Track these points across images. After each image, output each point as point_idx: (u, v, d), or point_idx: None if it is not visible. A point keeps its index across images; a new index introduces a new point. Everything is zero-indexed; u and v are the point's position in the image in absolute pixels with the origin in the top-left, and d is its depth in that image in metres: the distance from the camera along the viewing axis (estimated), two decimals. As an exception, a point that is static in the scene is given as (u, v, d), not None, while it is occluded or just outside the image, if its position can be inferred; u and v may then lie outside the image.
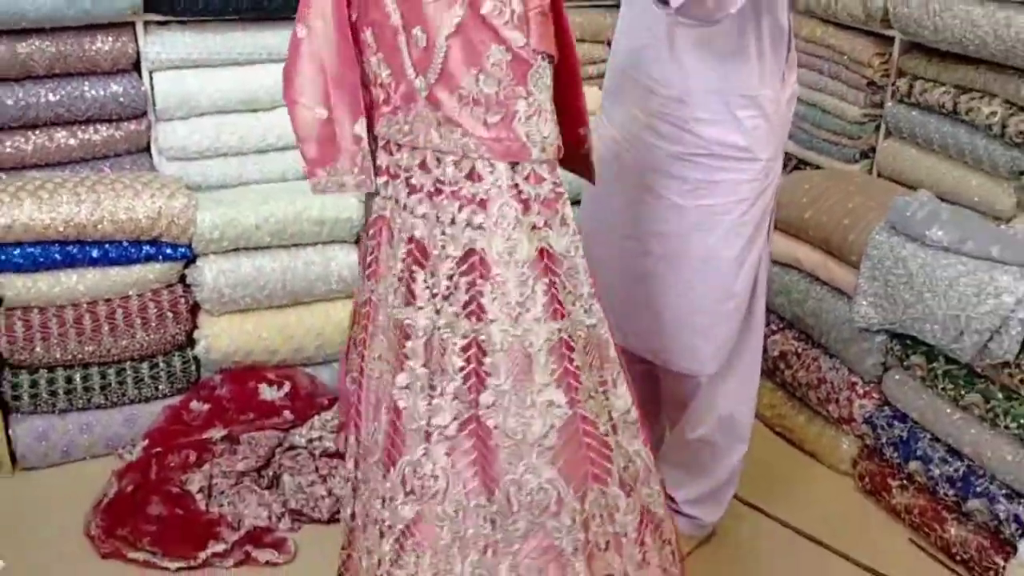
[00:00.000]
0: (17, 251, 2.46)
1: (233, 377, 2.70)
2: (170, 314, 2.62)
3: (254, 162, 2.85)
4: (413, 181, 1.63)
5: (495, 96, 1.53)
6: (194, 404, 2.66)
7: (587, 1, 3.35)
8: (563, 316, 1.59)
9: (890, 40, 3.05)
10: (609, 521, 1.64)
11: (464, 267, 1.58)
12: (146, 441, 2.58)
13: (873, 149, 3.17)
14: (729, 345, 2.15)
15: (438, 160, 1.60)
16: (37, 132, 2.62)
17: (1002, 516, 2.22)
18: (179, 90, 2.69)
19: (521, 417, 1.58)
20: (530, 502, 1.59)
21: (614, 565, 1.65)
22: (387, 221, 1.69)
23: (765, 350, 2.90)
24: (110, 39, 2.59)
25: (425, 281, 1.62)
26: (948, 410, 2.37)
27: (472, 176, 1.57)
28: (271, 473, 2.52)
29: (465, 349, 1.59)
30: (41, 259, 2.48)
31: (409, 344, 1.63)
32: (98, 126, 2.67)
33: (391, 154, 1.66)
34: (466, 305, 1.58)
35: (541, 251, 1.58)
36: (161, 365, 2.65)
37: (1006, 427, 2.21)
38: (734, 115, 1.94)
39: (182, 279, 2.67)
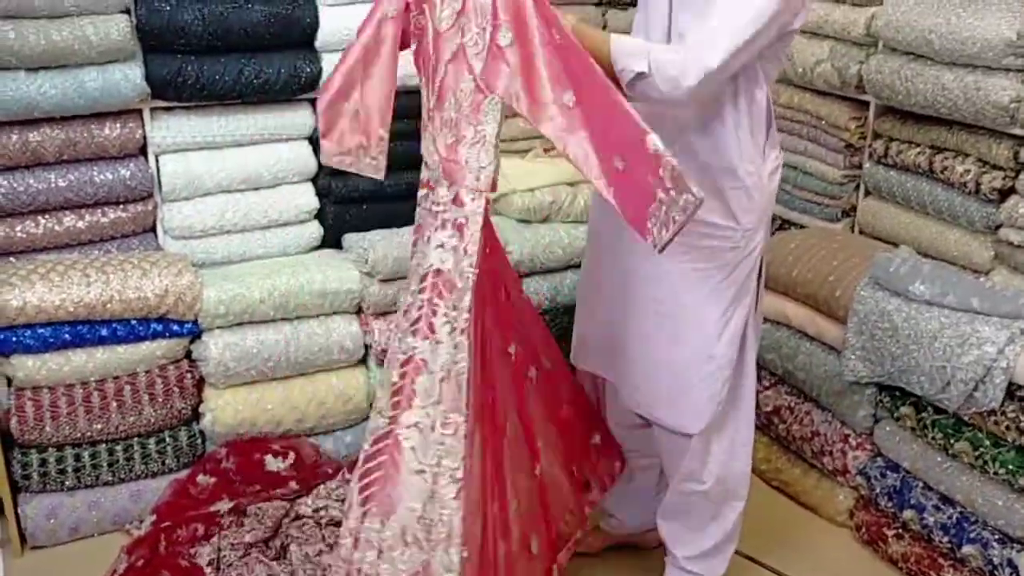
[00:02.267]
0: (28, 332, 2.52)
1: (238, 449, 2.75)
2: (176, 389, 2.67)
3: (257, 238, 2.93)
4: (424, 196, 1.87)
5: (453, 120, 1.71)
6: (201, 477, 2.70)
7: None
8: (426, 338, 1.78)
9: (865, 104, 3.19)
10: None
11: (423, 285, 1.82)
12: (154, 516, 2.61)
13: (854, 208, 3.28)
14: (713, 406, 2.15)
15: (436, 180, 1.84)
16: (47, 216, 2.69)
17: (996, 561, 2.27)
18: (184, 172, 2.78)
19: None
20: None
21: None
22: (422, 231, 1.88)
23: (758, 406, 2.97)
24: (118, 125, 2.69)
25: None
26: (939, 458, 2.43)
27: (438, 192, 1.81)
28: (279, 544, 2.54)
29: (403, 364, 1.84)
30: (51, 340, 2.54)
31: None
32: (106, 209, 2.74)
33: (428, 168, 1.87)
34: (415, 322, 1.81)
35: (437, 271, 1.78)
36: (168, 440, 2.70)
37: (995, 473, 2.27)
38: (714, 184, 1.99)
39: (188, 354, 2.73)
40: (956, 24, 2.71)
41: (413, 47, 1.87)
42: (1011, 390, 2.25)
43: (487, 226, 1.82)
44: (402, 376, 1.76)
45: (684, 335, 2.11)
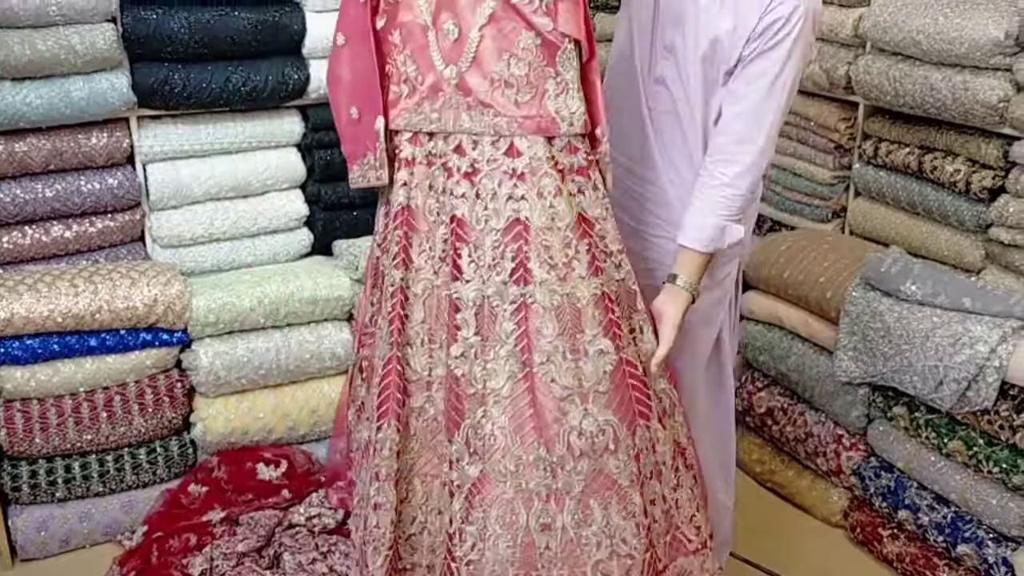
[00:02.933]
0: (16, 344, 2.50)
1: (230, 458, 2.73)
2: (167, 399, 2.66)
3: (246, 246, 2.92)
4: (450, 165, 1.78)
5: (525, 78, 1.71)
6: (192, 487, 2.68)
7: None
8: (601, 272, 1.75)
9: (854, 105, 3.19)
10: (652, 452, 1.80)
11: (508, 237, 1.74)
12: (146, 526, 2.59)
13: (844, 209, 3.29)
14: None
15: (474, 143, 1.76)
16: (34, 227, 2.68)
17: (991, 560, 2.27)
18: (173, 180, 2.77)
19: (574, 368, 1.72)
20: (591, 445, 1.73)
21: (656, 490, 1.81)
22: (413, 211, 1.81)
23: (751, 407, 2.97)
24: (104, 135, 2.67)
25: (470, 255, 1.77)
26: (932, 458, 2.43)
27: (510, 152, 1.74)
28: (272, 552, 2.53)
29: (515, 313, 1.74)
30: (40, 351, 2.52)
31: (460, 316, 1.78)
32: (93, 218, 2.73)
33: (418, 144, 1.81)
34: (513, 272, 1.74)
35: (579, 216, 1.75)
36: (159, 450, 2.68)
37: (989, 472, 2.27)
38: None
39: (178, 364, 2.72)
40: (944, 24, 2.72)
41: (381, 23, 1.81)
42: (1004, 389, 2.25)
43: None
44: (605, 313, 1.75)
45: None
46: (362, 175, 1.90)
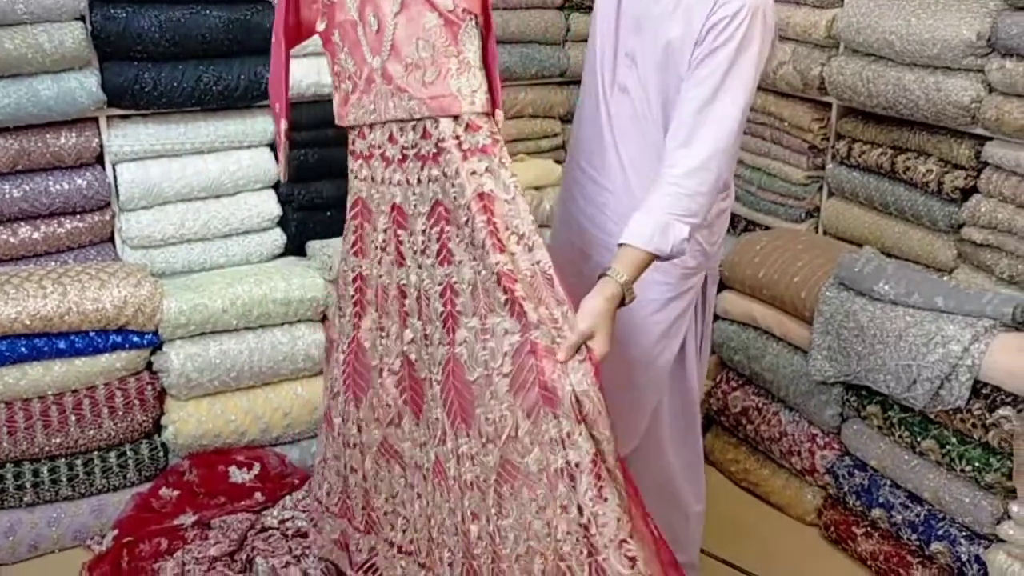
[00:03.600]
0: (-17, 346, 2.47)
1: (202, 461, 2.70)
2: (137, 402, 2.62)
3: (218, 247, 2.89)
4: (387, 154, 1.84)
5: (431, 58, 1.75)
6: (163, 491, 2.65)
7: (537, 79, 3.46)
8: (502, 251, 1.71)
9: (828, 106, 3.20)
10: (562, 447, 1.66)
11: (432, 220, 1.79)
12: (116, 531, 2.56)
13: (818, 209, 3.30)
14: (640, 424, 2.13)
15: (400, 129, 1.81)
16: (1, 228, 2.64)
17: (964, 558, 2.28)
18: (143, 180, 2.74)
19: (482, 349, 1.74)
20: (496, 431, 1.73)
21: (568, 497, 1.66)
22: (365, 202, 1.90)
23: (726, 407, 2.98)
24: (73, 134, 2.64)
25: (408, 241, 1.83)
26: (906, 457, 2.44)
27: (425, 135, 1.78)
28: (244, 556, 2.51)
29: (442, 295, 1.79)
30: (7, 354, 2.48)
31: (407, 302, 1.84)
32: (62, 219, 2.69)
33: (364, 138, 1.88)
34: (438, 253, 1.78)
35: (478, 195, 1.73)
36: (129, 453, 2.65)
37: (962, 471, 2.29)
38: None
39: (148, 366, 2.68)
40: (916, 25, 2.73)
41: (322, 26, 1.89)
42: (976, 388, 2.26)
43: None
44: (505, 291, 1.71)
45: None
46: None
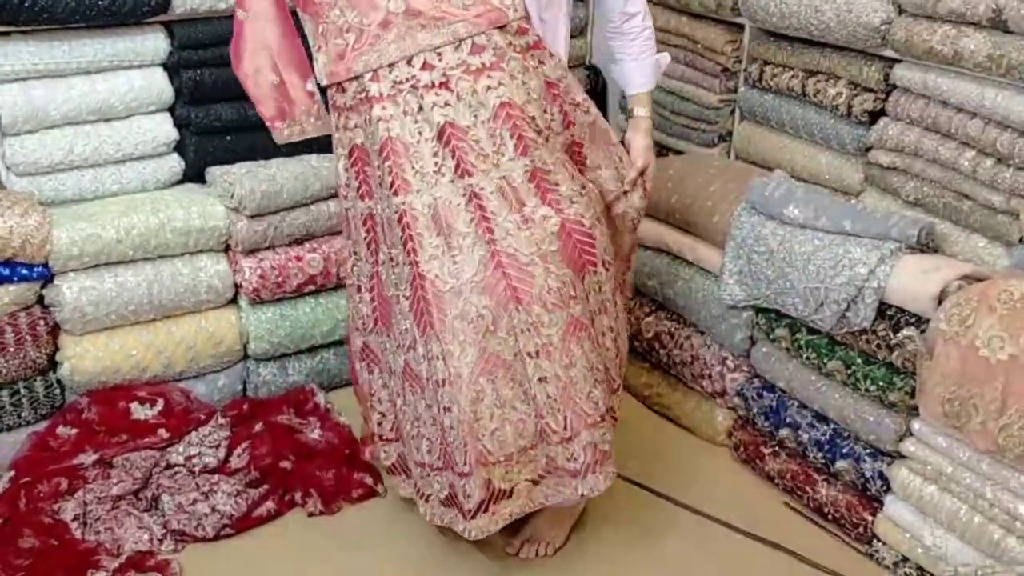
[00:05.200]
0: None
1: (101, 398, 2.60)
2: (29, 337, 2.50)
3: (111, 173, 2.74)
4: (420, 84, 1.98)
5: None
6: (61, 429, 2.55)
7: None
8: (528, 152, 2.04)
9: (740, 28, 3.17)
10: (599, 292, 2.13)
11: (499, 122, 2.01)
12: (12, 472, 2.46)
13: (730, 133, 3.29)
14: None
15: (438, 55, 1.97)
16: None
17: (868, 475, 2.34)
18: (25, 103, 2.56)
19: (528, 235, 2.00)
20: (560, 297, 2.02)
21: (605, 323, 2.16)
22: (394, 140, 1.99)
23: (640, 332, 2.99)
24: (-56, 52, 2.45)
25: (474, 148, 2.00)
26: (813, 378, 2.49)
27: (475, 51, 1.98)
28: (149, 495, 2.44)
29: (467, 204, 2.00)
30: None
31: (458, 216, 2.00)
32: (-63, 145, 2.52)
33: (382, 80, 1.99)
34: (516, 146, 2.01)
35: (546, 83, 2.10)
36: (23, 391, 2.53)
37: (866, 390, 2.33)
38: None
39: (40, 300, 2.55)
40: (828, -55, 2.70)
41: None
42: (881, 309, 2.30)
43: None
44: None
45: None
46: (298, 128, 2.19)
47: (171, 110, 2.80)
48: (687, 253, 2.86)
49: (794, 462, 2.55)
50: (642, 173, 2.31)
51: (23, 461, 2.48)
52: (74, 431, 2.53)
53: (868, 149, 2.75)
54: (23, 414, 2.54)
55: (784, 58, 3.00)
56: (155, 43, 2.70)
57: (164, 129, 2.76)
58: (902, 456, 2.30)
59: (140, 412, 2.60)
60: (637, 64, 2.33)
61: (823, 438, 2.45)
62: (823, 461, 2.45)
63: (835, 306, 2.35)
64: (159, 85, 2.73)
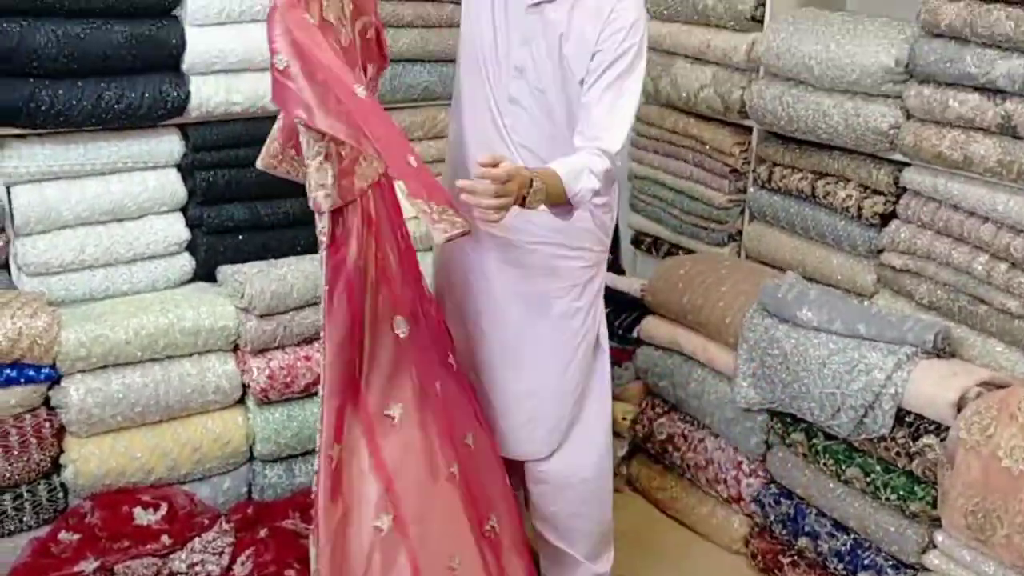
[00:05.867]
0: None
1: (104, 502, 2.54)
2: (34, 440, 2.46)
3: (122, 273, 2.73)
4: None
5: None
6: (63, 535, 2.48)
7: (424, 101, 3.31)
8: None
9: (749, 130, 3.20)
10: None
11: None
12: (11, 579, 2.40)
13: (740, 232, 3.30)
14: (562, 425, 2.26)
15: None
16: None
17: (891, 588, 2.28)
18: (40, 203, 2.57)
19: None
20: None
21: None
22: None
23: (652, 434, 2.95)
24: (-38, 155, 2.47)
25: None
26: (831, 485, 2.44)
27: None
28: (150, 603, 2.37)
29: None
30: None
31: None
32: (-50, 245, 2.52)
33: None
34: None
35: None
36: (25, 495, 2.48)
37: (887, 499, 2.28)
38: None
39: (46, 401, 2.52)
40: (836, 51, 2.74)
41: None
42: (900, 416, 2.27)
43: None
44: None
45: (532, 363, 2.23)
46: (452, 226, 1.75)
47: (183, 210, 2.81)
48: (699, 354, 2.83)
49: (814, 572, 2.48)
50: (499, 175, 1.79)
51: (23, 568, 2.42)
52: (76, 537, 2.47)
53: (880, 251, 2.74)
54: (25, 519, 2.48)
55: (793, 160, 3.02)
56: (170, 145, 2.73)
57: (176, 229, 2.76)
58: (925, 569, 2.24)
59: (143, 517, 2.53)
60: (564, 159, 1.98)
61: (843, 548, 2.39)
62: (844, 572, 2.39)
63: (852, 412, 2.31)
64: (173, 186, 2.74)
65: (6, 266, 2.64)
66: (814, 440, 2.47)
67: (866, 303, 2.69)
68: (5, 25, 2.41)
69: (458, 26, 3.28)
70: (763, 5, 3.08)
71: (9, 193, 2.57)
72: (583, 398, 2.28)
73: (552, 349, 2.22)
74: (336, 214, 1.86)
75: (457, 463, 2.06)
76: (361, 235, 1.91)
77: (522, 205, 1.85)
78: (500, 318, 2.22)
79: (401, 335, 2.02)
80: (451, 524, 2.03)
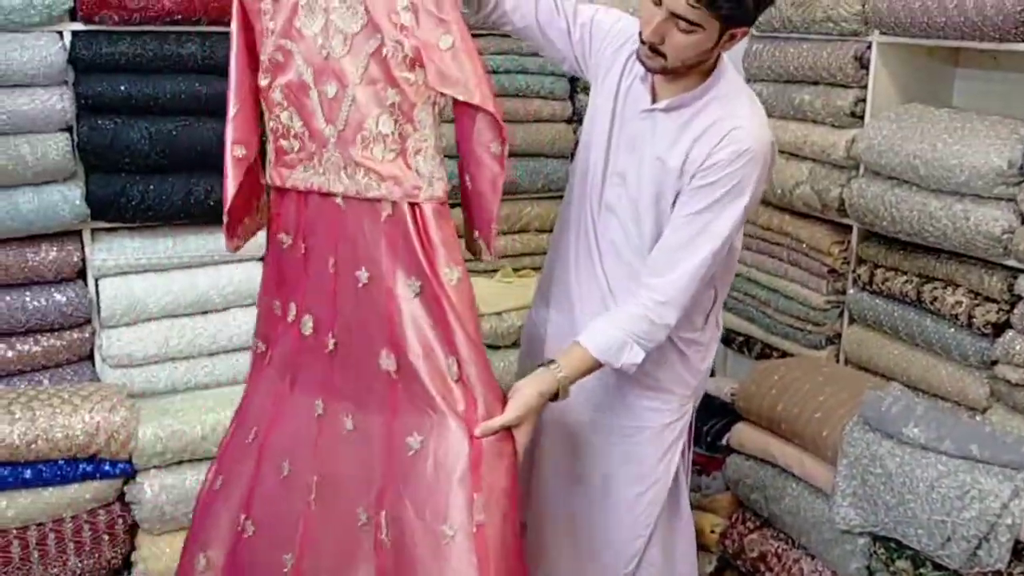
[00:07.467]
0: (-57, 475, 2.30)
1: (173, 601, 2.50)
2: (106, 536, 2.44)
3: (204, 366, 2.74)
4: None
5: (392, 135, 1.65)
6: (130, 635, 2.45)
7: (543, 193, 3.31)
8: None
9: (848, 228, 3.06)
10: None
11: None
12: None
13: (838, 335, 3.13)
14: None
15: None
16: (-28, 345, 2.50)
17: None
18: (126, 295, 2.61)
19: None
20: None
21: None
22: None
23: (743, 550, 2.77)
24: (54, 248, 2.52)
25: None
26: (942, 621, 2.23)
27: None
28: None
29: None
30: (-31, 483, 2.31)
31: None
32: (39, 336, 2.56)
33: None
34: None
35: None
36: (95, 592, 2.46)
37: (1005, 643, 2.07)
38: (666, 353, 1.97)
39: (120, 497, 2.50)
40: (942, 151, 2.60)
41: (264, 82, 1.77)
42: (1018, 549, 2.07)
43: None
44: None
45: (615, 517, 2.09)
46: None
47: (267, 304, 2.80)
48: (794, 467, 2.66)
49: None
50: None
51: (88, 668, 2.38)
52: (142, 639, 2.43)
53: (994, 363, 2.56)
54: (92, 616, 2.45)
55: (896, 261, 2.86)
56: (255, 238, 2.73)
57: (259, 323, 2.76)
58: None
59: (210, 621, 2.47)
60: (608, 323, 1.84)
61: None
62: None
63: (964, 543, 2.12)
64: (257, 279, 2.74)
65: (91, 358, 2.66)
66: (921, 570, 2.27)
67: (978, 418, 2.50)
68: (100, 122, 2.47)
69: (546, 121, 3.35)
70: (863, 100, 2.97)
71: (97, 285, 2.61)
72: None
73: (627, 505, 2.08)
74: None
75: None
76: None
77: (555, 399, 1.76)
78: (582, 470, 2.11)
79: None
80: None
